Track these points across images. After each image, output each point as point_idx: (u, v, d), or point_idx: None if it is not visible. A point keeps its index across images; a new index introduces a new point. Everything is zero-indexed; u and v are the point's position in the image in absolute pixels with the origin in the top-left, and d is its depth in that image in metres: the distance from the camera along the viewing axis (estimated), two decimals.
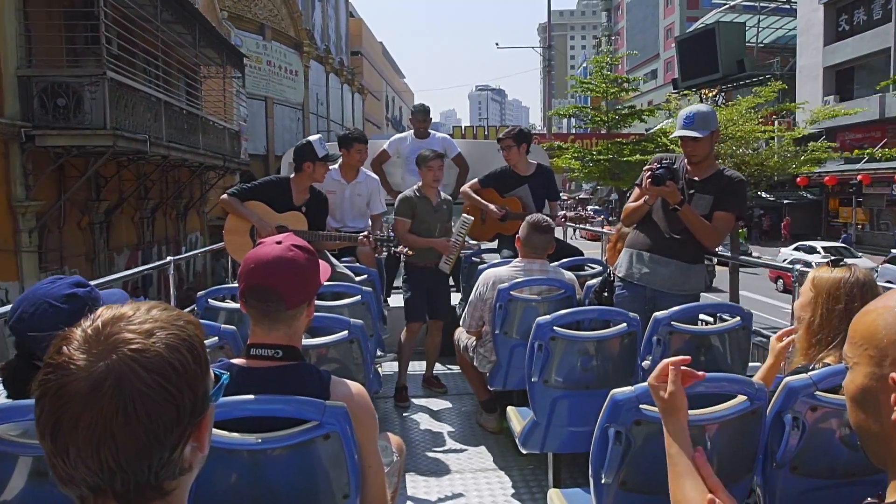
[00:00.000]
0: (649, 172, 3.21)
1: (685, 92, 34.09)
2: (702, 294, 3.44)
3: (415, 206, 4.42)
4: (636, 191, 3.47)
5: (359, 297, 3.27)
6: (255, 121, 33.39)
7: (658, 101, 55.05)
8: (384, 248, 4.02)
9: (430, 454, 3.56)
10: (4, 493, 1.47)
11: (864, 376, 0.86)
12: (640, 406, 1.61)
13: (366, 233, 4.02)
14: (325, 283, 3.52)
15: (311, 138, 4.11)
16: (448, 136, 5.82)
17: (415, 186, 4.52)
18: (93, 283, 1.80)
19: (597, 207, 52.07)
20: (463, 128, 39.86)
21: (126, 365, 0.76)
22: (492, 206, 4.84)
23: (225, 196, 4.04)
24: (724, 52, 34.19)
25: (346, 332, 2.48)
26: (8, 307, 2.27)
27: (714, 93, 30.42)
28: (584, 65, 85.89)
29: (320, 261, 1.72)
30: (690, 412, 1.68)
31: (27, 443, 1.46)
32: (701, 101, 32.77)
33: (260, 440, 1.44)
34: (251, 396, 1.48)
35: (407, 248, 4.03)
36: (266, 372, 1.56)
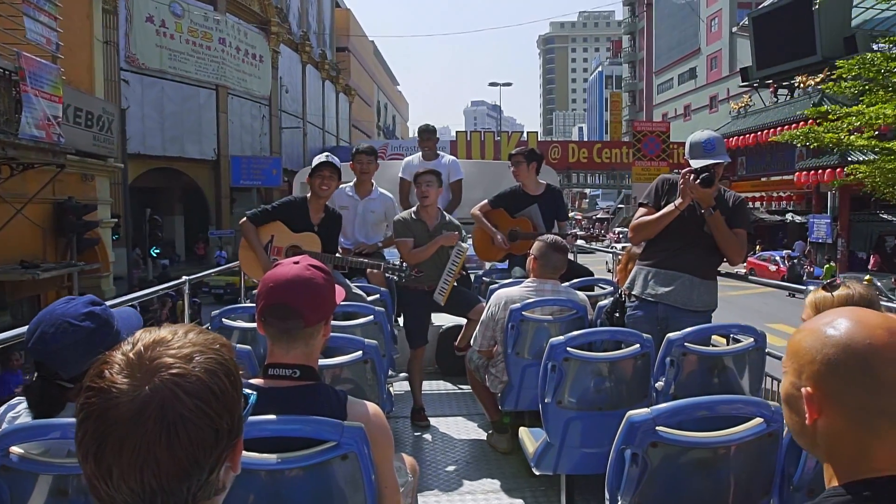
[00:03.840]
0: (693, 176, 3.18)
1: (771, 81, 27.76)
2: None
3: (409, 228, 4.33)
4: (641, 210, 3.49)
5: (371, 316, 3.28)
6: (201, 115, 27.56)
7: (698, 104, 49.92)
8: (396, 275, 4.03)
9: (442, 475, 3.55)
10: None
11: (789, 384, 1.02)
12: (657, 428, 1.61)
13: (380, 266, 4.08)
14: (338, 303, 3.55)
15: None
16: (455, 160, 5.80)
17: (413, 209, 4.44)
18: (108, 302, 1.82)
19: (624, 229, 50.17)
20: (469, 134, 36.14)
21: (169, 390, 0.78)
22: (499, 236, 4.87)
23: (244, 219, 4.14)
24: (825, 29, 25.80)
25: (360, 352, 2.49)
26: (20, 330, 2.30)
27: (819, 80, 24.90)
28: (599, 68, 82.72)
29: (336, 284, 1.74)
30: (706, 435, 1.68)
31: (49, 461, 1.48)
32: (795, 89, 27.29)
33: (278, 460, 1.45)
34: (270, 416, 1.49)
35: (415, 270, 4.04)
36: (284, 392, 1.58)
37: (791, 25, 26.96)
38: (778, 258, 25.58)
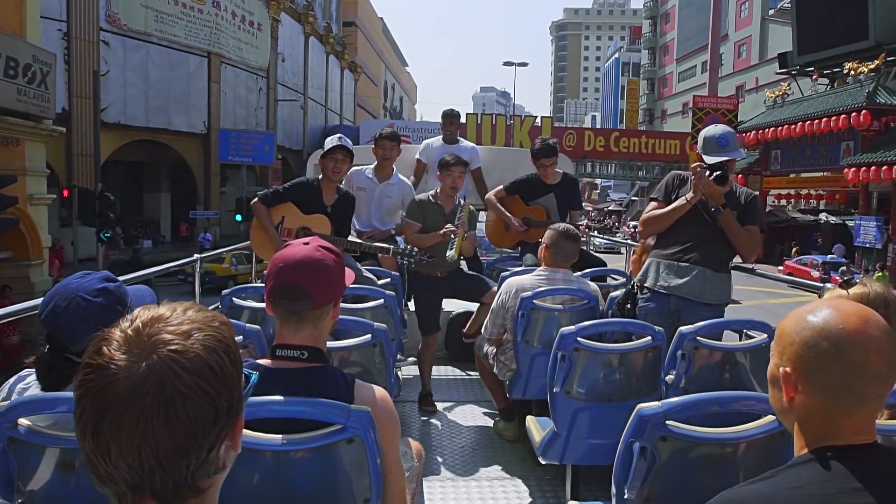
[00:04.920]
0: (708, 172, 3.18)
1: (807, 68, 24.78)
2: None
3: (425, 211, 4.32)
4: (652, 203, 3.50)
5: (381, 300, 3.28)
6: (190, 84, 25.21)
7: (722, 93, 45.68)
8: (406, 260, 4.03)
9: (447, 460, 3.55)
10: (31, 483, 1.50)
11: (773, 365, 1.13)
12: (667, 422, 1.59)
13: (389, 250, 4.08)
14: (348, 286, 3.55)
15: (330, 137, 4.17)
16: (475, 147, 5.79)
17: (432, 191, 4.43)
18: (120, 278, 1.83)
19: (637, 223, 48.08)
20: (479, 117, 33.18)
21: (167, 366, 0.77)
22: (514, 220, 4.84)
23: (255, 200, 4.15)
24: (879, 11, 23.61)
25: (369, 335, 2.48)
26: (36, 301, 2.32)
27: (873, 66, 23.04)
28: (616, 55, 78.43)
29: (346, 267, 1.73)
30: (717, 431, 1.66)
31: (56, 434, 1.48)
32: (837, 77, 24.83)
33: (284, 441, 1.45)
34: (277, 397, 1.49)
35: (427, 256, 4.02)
36: (291, 373, 1.57)
37: (840, 7, 24.53)
38: (822, 263, 23.26)
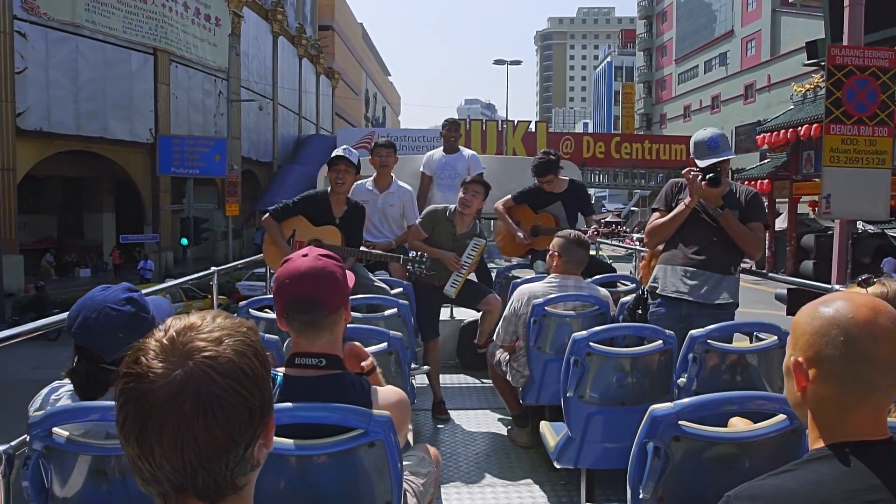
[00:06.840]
0: (700, 176, 3.26)
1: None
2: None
3: (436, 224, 4.36)
4: (655, 214, 3.58)
5: (395, 309, 3.33)
6: (132, 85, 21.32)
7: (729, 94, 42.91)
8: (414, 267, 4.07)
9: (462, 467, 3.58)
10: (64, 490, 1.55)
11: (787, 356, 1.15)
12: (679, 422, 1.63)
13: (400, 258, 4.13)
14: (362, 296, 3.60)
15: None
16: (475, 154, 5.82)
17: (452, 206, 4.45)
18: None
19: (640, 235, 46.02)
20: (468, 122, 30.32)
21: (203, 372, 0.83)
22: (520, 233, 4.89)
23: (267, 215, 4.20)
24: None
25: (385, 343, 2.53)
26: (58, 317, 2.37)
27: None
28: (608, 58, 74.14)
29: (346, 269, 1.79)
30: (729, 430, 1.70)
31: (88, 442, 1.54)
32: None
33: (308, 446, 1.50)
34: (298, 404, 1.53)
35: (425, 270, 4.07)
36: (311, 381, 1.62)
37: None
38: None
